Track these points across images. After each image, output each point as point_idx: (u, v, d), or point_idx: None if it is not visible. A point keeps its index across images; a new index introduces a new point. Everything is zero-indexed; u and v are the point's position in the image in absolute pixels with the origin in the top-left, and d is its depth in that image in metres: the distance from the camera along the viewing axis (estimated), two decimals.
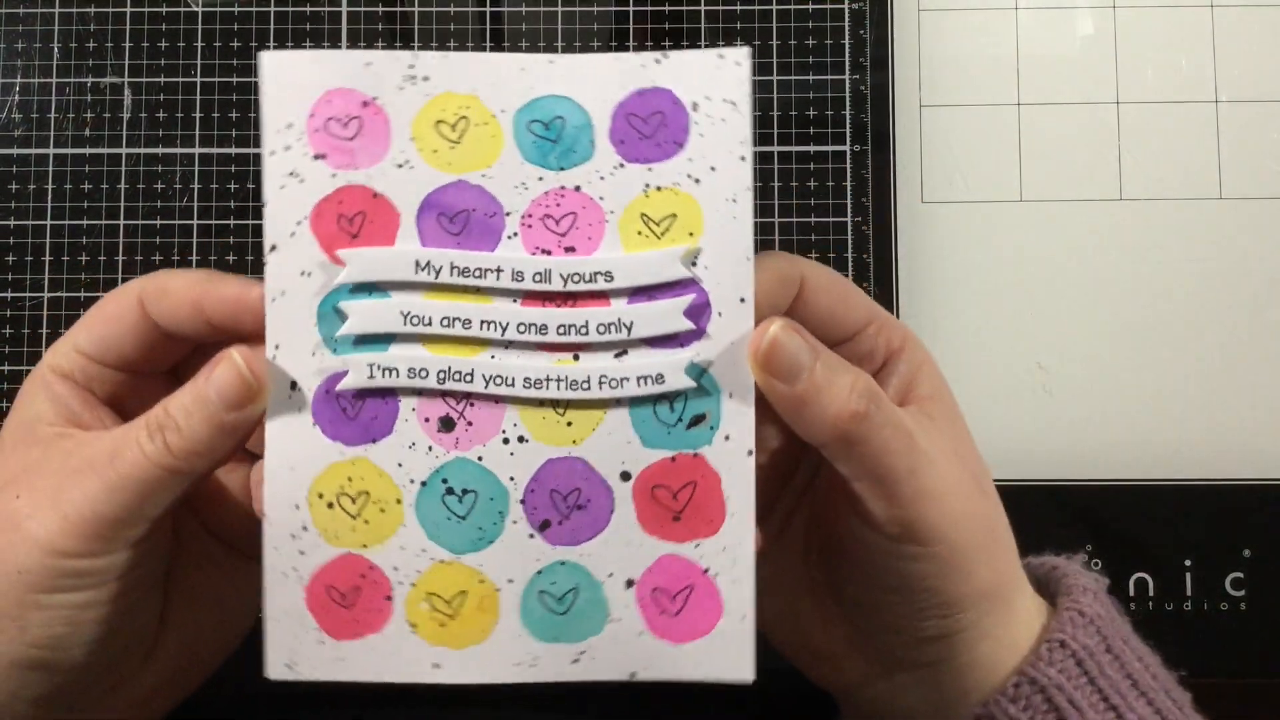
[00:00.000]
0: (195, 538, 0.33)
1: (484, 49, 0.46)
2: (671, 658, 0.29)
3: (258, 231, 0.38)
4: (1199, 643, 0.44)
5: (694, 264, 0.29)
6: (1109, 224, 0.46)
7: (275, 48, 0.46)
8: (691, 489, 0.29)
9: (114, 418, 0.31)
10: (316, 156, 0.29)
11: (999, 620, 0.30)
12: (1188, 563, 0.44)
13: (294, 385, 0.29)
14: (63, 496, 0.28)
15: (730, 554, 0.29)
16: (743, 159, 0.29)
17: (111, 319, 0.31)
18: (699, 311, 0.29)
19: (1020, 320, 0.46)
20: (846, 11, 0.46)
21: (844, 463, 0.29)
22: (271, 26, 0.46)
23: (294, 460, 0.29)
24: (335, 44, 0.46)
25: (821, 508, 0.34)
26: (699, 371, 0.29)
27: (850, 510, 0.30)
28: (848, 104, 0.46)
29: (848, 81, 0.46)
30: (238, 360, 0.28)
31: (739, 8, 0.46)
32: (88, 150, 0.46)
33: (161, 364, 0.31)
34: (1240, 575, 0.44)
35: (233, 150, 0.46)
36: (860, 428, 0.28)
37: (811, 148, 0.46)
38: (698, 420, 0.29)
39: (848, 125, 0.46)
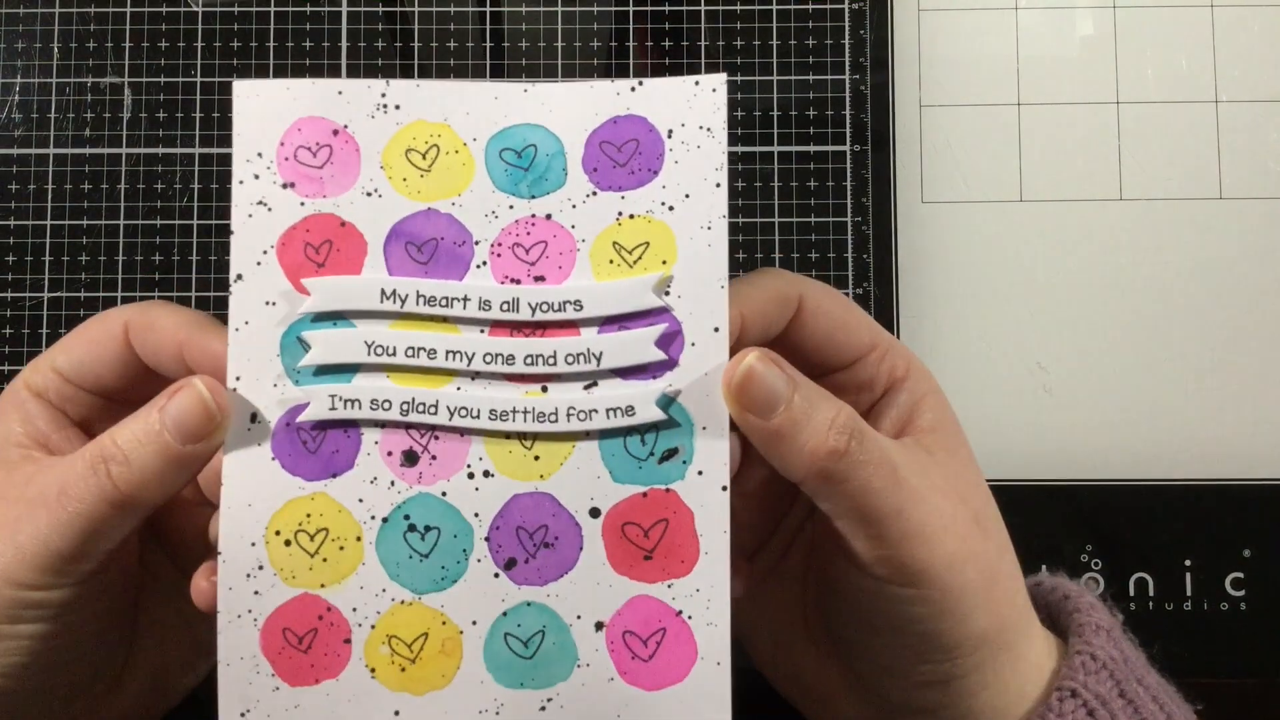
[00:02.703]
0: (163, 571, 0.33)
1: (484, 49, 0.46)
2: (644, 706, 0.27)
3: None
4: (1199, 643, 0.44)
5: (666, 293, 0.28)
6: (1109, 224, 0.46)
7: (274, 48, 0.46)
8: (664, 526, 0.28)
9: (84, 440, 0.30)
10: (285, 185, 0.28)
11: (1002, 667, 0.29)
12: (1188, 563, 0.44)
13: (254, 417, 0.28)
14: (19, 528, 0.27)
15: (704, 595, 0.27)
16: (718, 185, 0.28)
17: (93, 343, 0.30)
18: (671, 341, 0.28)
19: (1020, 320, 0.46)
20: (846, 11, 0.46)
21: (825, 501, 0.28)
22: (271, 26, 0.46)
23: (251, 496, 0.28)
24: (335, 44, 0.46)
25: (817, 544, 0.32)
26: (670, 403, 0.28)
27: (838, 548, 0.29)
28: (848, 104, 0.46)
29: (848, 81, 0.46)
30: (202, 389, 0.27)
31: (739, 8, 0.46)
32: (88, 150, 0.46)
33: (139, 394, 0.30)
34: (1240, 575, 0.44)
35: (232, 150, 0.45)
36: (839, 465, 0.27)
37: (811, 148, 0.46)
38: (670, 454, 0.28)
39: (848, 125, 0.46)
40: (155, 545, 0.33)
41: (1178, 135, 0.46)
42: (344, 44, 0.46)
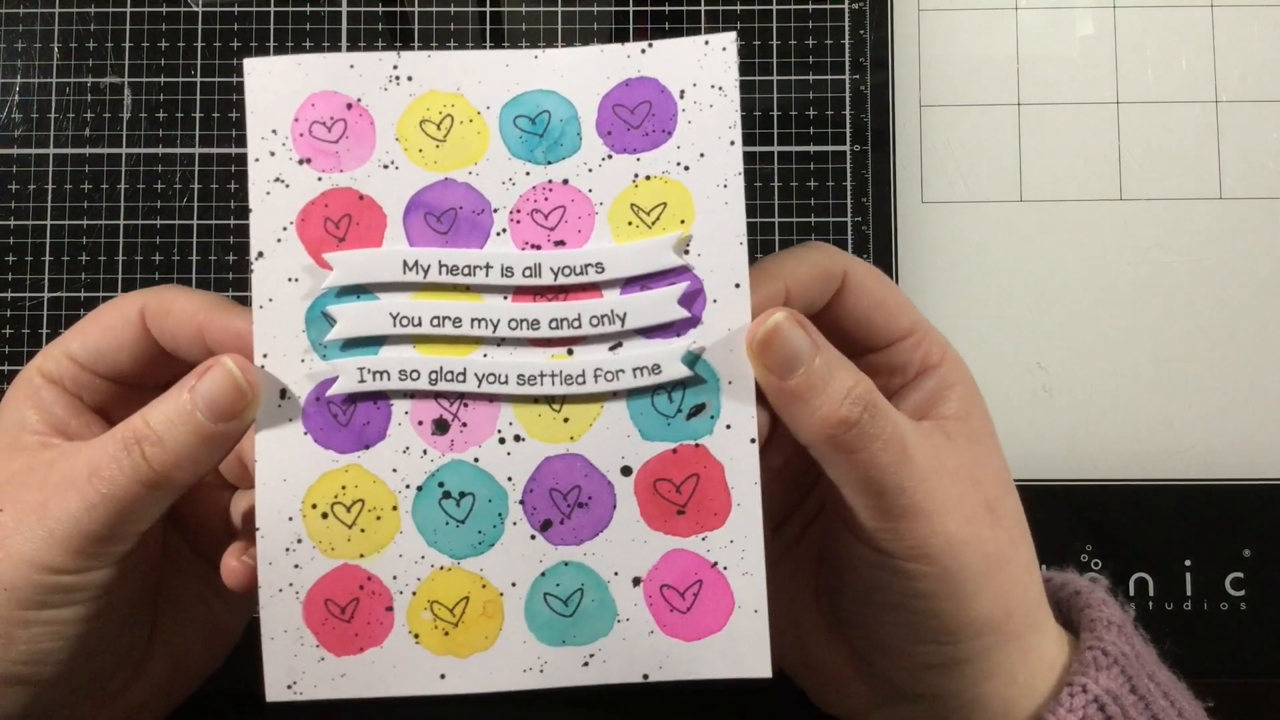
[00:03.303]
0: (182, 555, 0.33)
1: (483, 49, 0.46)
2: (684, 657, 0.28)
3: None
4: (1199, 643, 0.44)
5: (686, 251, 0.28)
6: (1109, 224, 0.46)
7: (274, 48, 0.46)
8: (695, 481, 0.28)
9: (102, 426, 0.30)
10: (301, 161, 0.28)
11: (1009, 657, 0.29)
12: (1188, 563, 0.44)
13: (284, 394, 0.28)
14: (47, 512, 0.27)
15: (738, 546, 0.28)
16: (732, 144, 0.28)
17: (110, 329, 0.30)
18: (693, 299, 0.28)
19: (1020, 320, 0.46)
20: (846, 11, 0.46)
21: (831, 469, 0.28)
22: (271, 26, 0.46)
23: (286, 471, 0.28)
24: (335, 44, 0.46)
25: (825, 515, 0.32)
26: (695, 359, 0.28)
27: (841, 519, 0.29)
28: (848, 104, 0.46)
29: (848, 81, 0.46)
30: (232, 367, 0.27)
31: (739, 7, 0.46)
32: (88, 150, 0.46)
33: (155, 379, 0.31)
34: (1240, 575, 0.44)
35: (233, 150, 0.46)
36: (849, 435, 0.27)
37: (811, 148, 0.46)
38: (697, 410, 0.28)
39: (848, 125, 0.46)
40: (173, 529, 0.33)
41: (1178, 135, 0.46)
42: (344, 44, 0.46)
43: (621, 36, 0.46)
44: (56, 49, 0.46)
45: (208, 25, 0.46)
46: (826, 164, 0.46)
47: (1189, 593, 0.44)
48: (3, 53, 0.46)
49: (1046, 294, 0.46)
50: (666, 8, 0.46)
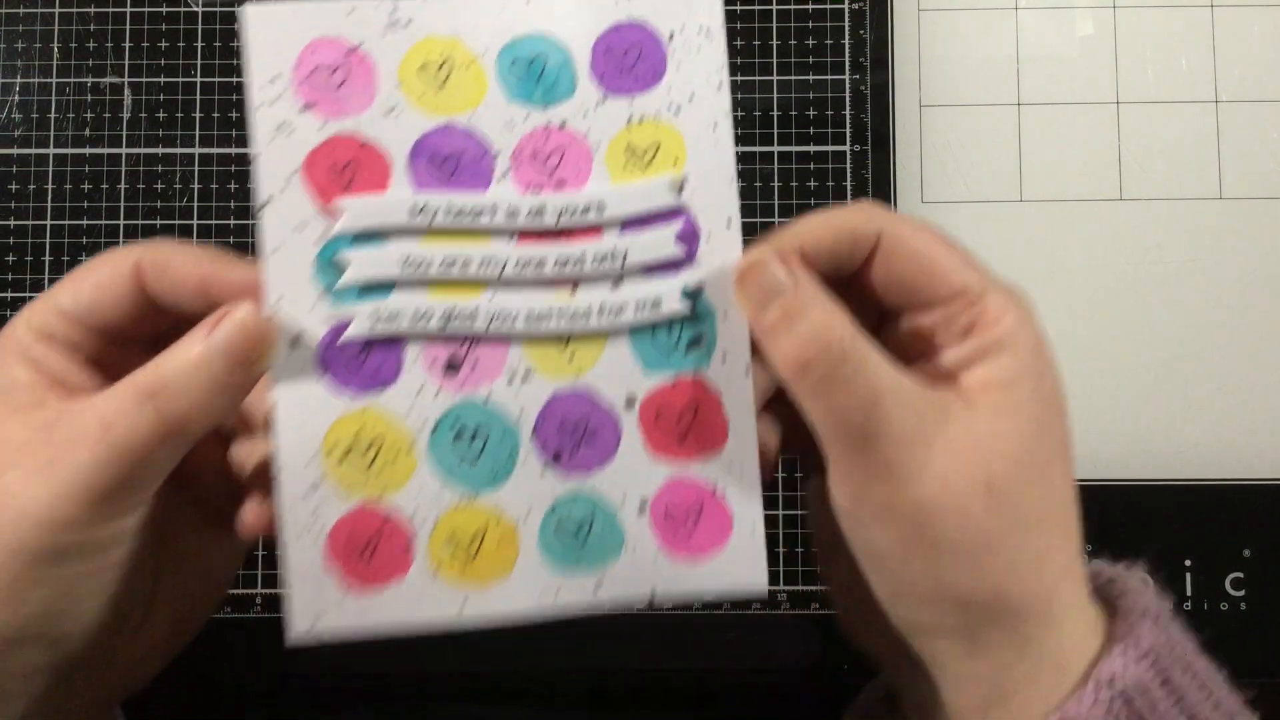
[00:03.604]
0: (182, 508, 0.33)
1: None
2: (687, 576, 0.29)
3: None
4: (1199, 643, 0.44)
5: (680, 191, 0.29)
6: (1109, 224, 0.46)
7: None
8: (694, 410, 0.29)
9: (103, 380, 0.29)
10: (305, 107, 0.29)
11: (1002, 641, 0.28)
12: (1188, 563, 0.44)
13: (296, 340, 0.29)
14: (55, 469, 0.27)
15: (736, 470, 0.29)
16: (720, 85, 0.30)
17: (102, 284, 0.29)
18: (689, 237, 0.29)
19: None
20: (846, 11, 0.46)
21: (802, 409, 0.27)
22: None
23: (302, 416, 0.29)
24: None
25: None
26: (693, 294, 0.29)
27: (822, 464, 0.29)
28: (848, 104, 0.46)
29: (848, 81, 0.46)
30: (247, 315, 0.27)
31: (739, 8, 0.46)
32: (88, 150, 0.46)
33: (147, 333, 0.30)
34: (1240, 575, 0.44)
35: (233, 150, 0.46)
36: (813, 378, 0.26)
37: (811, 148, 0.46)
38: (695, 342, 0.29)
39: (848, 125, 0.46)
40: (172, 485, 0.32)
41: (1178, 135, 0.46)
42: None
43: None
44: (56, 49, 0.46)
45: (208, 25, 0.46)
46: (826, 164, 0.46)
47: (1189, 593, 0.44)
48: (3, 53, 0.46)
49: (1046, 294, 0.46)
50: None
